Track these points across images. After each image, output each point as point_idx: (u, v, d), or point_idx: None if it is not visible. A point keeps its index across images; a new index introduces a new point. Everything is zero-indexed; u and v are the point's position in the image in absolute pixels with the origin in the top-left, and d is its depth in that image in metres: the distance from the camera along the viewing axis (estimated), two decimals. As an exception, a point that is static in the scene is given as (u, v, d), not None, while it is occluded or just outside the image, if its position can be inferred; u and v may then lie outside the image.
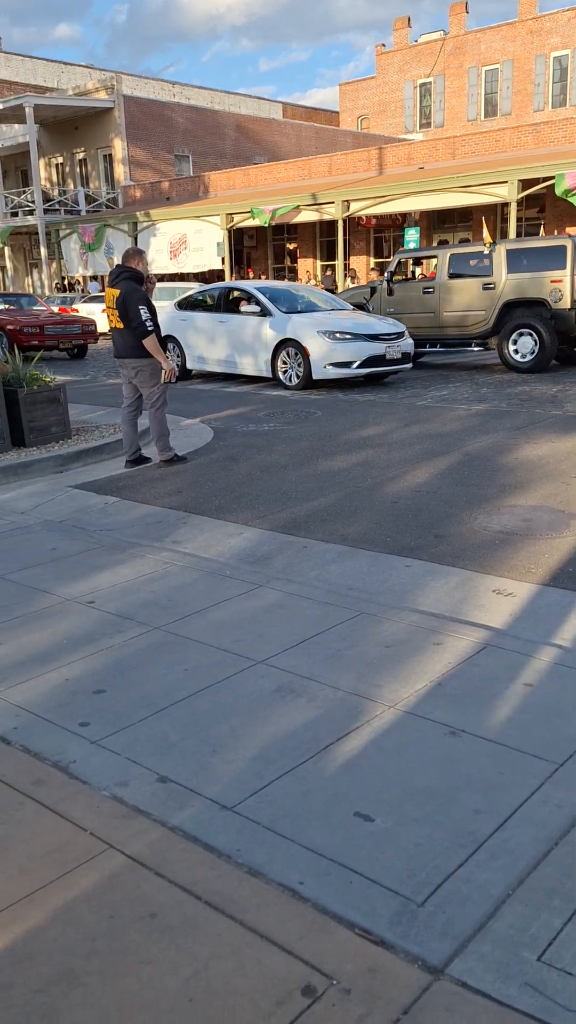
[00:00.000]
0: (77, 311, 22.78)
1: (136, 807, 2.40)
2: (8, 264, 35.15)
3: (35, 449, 7.67)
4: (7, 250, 34.08)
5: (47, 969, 1.82)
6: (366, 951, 1.83)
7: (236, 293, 13.00)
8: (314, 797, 2.41)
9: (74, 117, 34.27)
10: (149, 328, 6.77)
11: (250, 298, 12.49)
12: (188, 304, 13.71)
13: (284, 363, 11.98)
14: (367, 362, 11.59)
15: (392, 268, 14.52)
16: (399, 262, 14.56)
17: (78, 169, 35.93)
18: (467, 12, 40.34)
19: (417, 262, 15.88)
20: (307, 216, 24.62)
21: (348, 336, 11.52)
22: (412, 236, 22.87)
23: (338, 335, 11.51)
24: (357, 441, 8.04)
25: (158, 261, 28.12)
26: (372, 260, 27.78)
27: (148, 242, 28.54)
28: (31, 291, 33.45)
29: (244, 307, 12.45)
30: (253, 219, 24.83)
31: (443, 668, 3.16)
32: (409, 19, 42.70)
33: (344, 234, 23.98)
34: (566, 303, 12.11)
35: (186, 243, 27.51)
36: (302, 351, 11.63)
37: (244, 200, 26.04)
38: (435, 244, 25.58)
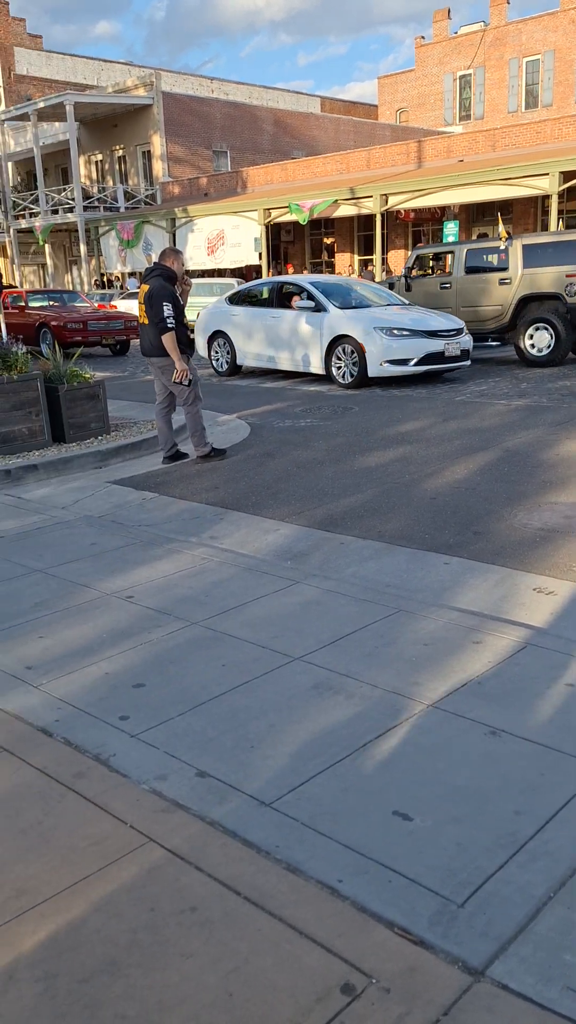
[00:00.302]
0: (116, 307, 22.97)
1: (175, 801, 2.42)
2: (48, 261, 35.55)
3: (75, 445, 7.76)
4: (47, 247, 34.45)
5: (90, 960, 1.84)
6: (405, 950, 1.83)
7: (289, 288, 12.65)
8: (352, 795, 2.41)
9: (113, 114, 34.53)
10: (169, 325, 6.74)
11: (303, 293, 12.17)
12: (239, 299, 13.37)
13: (338, 360, 11.63)
14: (425, 359, 11.20)
15: (410, 264, 14.80)
16: (417, 257, 14.89)
17: (117, 166, 36.21)
18: (508, 3, 39.81)
19: (439, 257, 15.72)
20: (345, 210, 24.52)
21: (406, 332, 11.12)
22: (451, 230, 22.66)
23: (395, 331, 11.10)
24: (394, 437, 8.00)
25: (196, 257, 28.23)
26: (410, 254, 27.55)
27: (186, 238, 28.68)
28: (71, 288, 33.82)
29: (297, 302, 12.09)
30: (291, 214, 24.79)
31: (483, 667, 3.14)
32: (449, 11, 42.25)
33: (382, 228, 23.84)
34: None
35: (223, 239, 27.58)
36: (357, 348, 11.25)
37: (281, 195, 26.02)
38: (475, 237, 25.31)
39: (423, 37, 43.26)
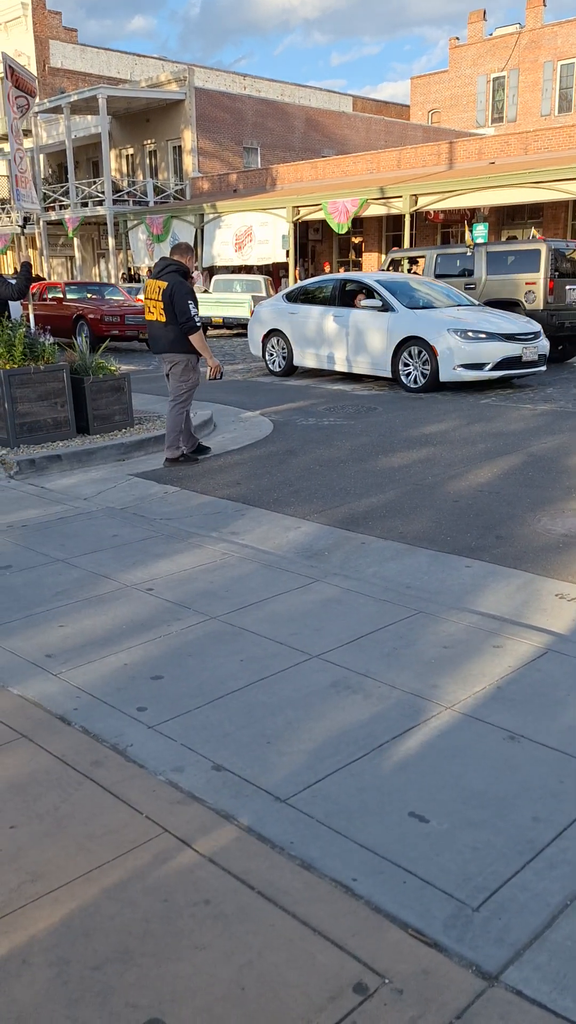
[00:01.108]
0: (140, 301, 23.01)
1: (191, 793, 2.42)
2: (76, 254, 35.73)
3: (99, 437, 7.79)
4: (75, 240, 34.63)
5: (103, 948, 1.84)
6: (419, 952, 1.81)
7: (352, 285, 12.12)
8: (369, 794, 2.39)
9: (146, 109, 34.63)
10: (197, 324, 6.71)
11: (369, 291, 11.66)
12: (297, 296, 12.79)
13: (407, 363, 11.02)
14: (502, 364, 10.64)
15: (385, 266, 15.62)
16: (392, 260, 15.64)
17: (148, 160, 36.31)
18: (544, 5, 39.49)
19: (414, 261, 16.08)
20: (374, 210, 24.43)
21: (482, 335, 10.55)
22: (480, 232, 22.51)
23: (470, 334, 10.51)
24: (418, 438, 7.96)
25: (223, 253, 28.26)
26: None
27: (214, 234, 28.70)
28: (98, 280, 33.97)
29: (362, 301, 11.62)
30: (324, 217, 24.73)
31: (503, 671, 3.12)
32: (484, 12, 42.01)
33: (411, 229, 23.74)
34: (539, 304, 12.98)
35: (251, 235, 27.57)
36: (429, 350, 10.66)
37: (311, 193, 25.98)
38: (504, 239, 25.17)
39: (457, 38, 43.03)
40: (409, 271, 15.96)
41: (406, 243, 23.81)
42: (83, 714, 2.88)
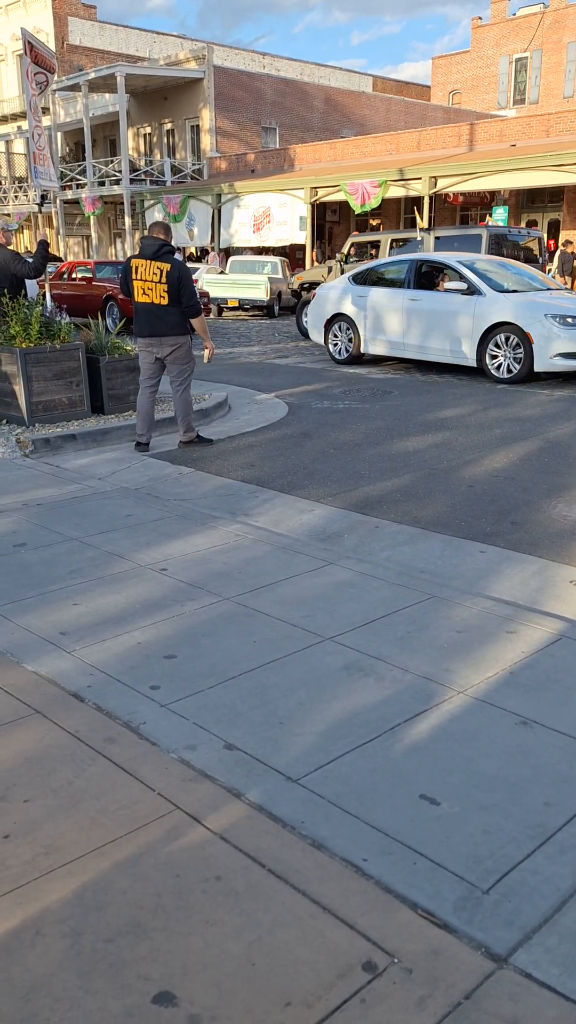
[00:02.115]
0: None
1: (203, 771, 2.43)
2: (93, 233, 35.61)
3: (113, 417, 7.80)
4: (91, 219, 34.52)
5: (116, 920, 1.87)
6: (429, 933, 1.82)
7: (431, 266, 11.35)
8: (380, 776, 2.40)
9: (164, 87, 34.37)
10: (201, 307, 6.65)
11: (451, 273, 10.89)
12: (366, 278, 11.88)
13: (495, 351, 10.24)
14: None
15: (346, 250, 15.96)
16: (353, 243, 16.03)
17: (165, 139, 36.08)
18: (570, -17, 38.82)
19: (375, 245, 16.52)
20: (393, 192, 24.20)
21: None
22: (500, 215, 22.30)
23: (570, 320, 9.64)
24: (434, 422, 7.93)
25: (241, 233, 28.10)
26: (544, 236, 27.14)
27: (232, 214, 28.53)
28: (115, 260, 33.85)
29: (445, 283, 10.87)
30: (344, 197, 24.54)
31: (516, 657, 3.11)
32: (509, -10, 41.33)
33: (430, 211, 23.52)
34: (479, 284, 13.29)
35: (270, 216, 27.38)
36: (523, 338, 9.88)
37: (329, 174, 25.77)
38: (523, 224, 24.90)
39: (480, 18, 42.41)
40: (367, 255, 16.46)
41: (424, 224, 23.60)
42: (97, 691, 2.90)
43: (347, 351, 12.11)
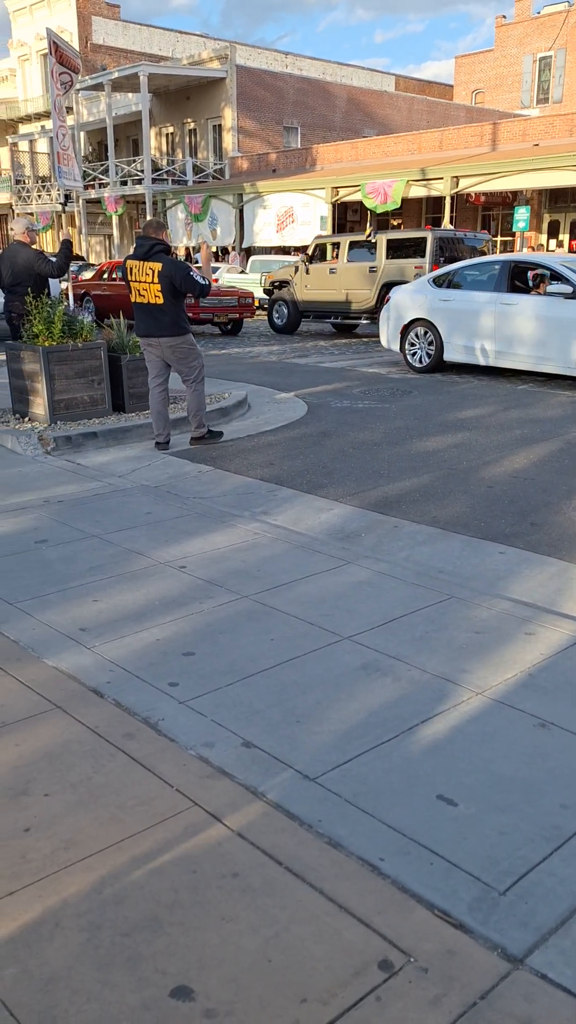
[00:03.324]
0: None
1: (221, 768, 2.45)
2: (115, 232, 35.78)
3: (133, 415, 7.84)
4: (114, 218, 34.68)
5: (133, 915, 1.88)
6: (445, 933, 1.83)
7: (522, 267, 10.81)
8: (397, 776, 2.41)
9: (186, 87, 34.48)
10: (206, 284, 6.60)
11: (550, 274, 10.38)
12: (449, 281, 11.19)
13: None
14: None
15: (311, 251, 16.74)
16: (316, 245, 16.82)
17: (187, 139, 36.19)
18: (596, -19, 38.52)
19: (336, 245, 17.11)
20: (414, 192, 24.14)
21: None
22: (522, 215, 22.18)
23: None
24: (453, 423, 7.90)
25: (264, 233, 28.12)
26: (494, 239, 27.05)
27: (254, 213, 28.56)
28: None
29: (547, 287, 10.41)
30: (362, 198, 24.50)
31: (535, 659, 3.10)
32: (533, -11, 41.07)
33: (451, 211, 23.43)
34: None
35: (293, 216, 27.38)
36: None
37: (351, 173, 25.73)
38: (547, 224, 24.75)
39: (504, 16, 42.18)
40: (327, 255, 16.94)
41: (445, 226, 23.53)
42: (116, 687, 2.92)
43: (427, 358, 11.31)
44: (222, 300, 16.69)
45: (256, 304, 21.71)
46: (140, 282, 6.62)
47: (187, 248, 32.64)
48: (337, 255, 16.34)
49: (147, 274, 6.55)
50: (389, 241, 15.35)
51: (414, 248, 14.92)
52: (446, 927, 1.84)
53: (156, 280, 6.53)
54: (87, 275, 22.52)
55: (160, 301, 6.57)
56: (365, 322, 16.05)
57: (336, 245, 16.60)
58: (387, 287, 14.73)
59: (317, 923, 1.85)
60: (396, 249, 15.23)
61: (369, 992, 1.67)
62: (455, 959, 1.75)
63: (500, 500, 5.36)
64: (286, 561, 4.18)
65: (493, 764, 2.46)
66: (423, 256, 14.55)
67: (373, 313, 15.36)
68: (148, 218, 6.95)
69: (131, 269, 6.66)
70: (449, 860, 2.06)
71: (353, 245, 15.96)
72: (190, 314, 16.28)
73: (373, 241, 15.38)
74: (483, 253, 15.46)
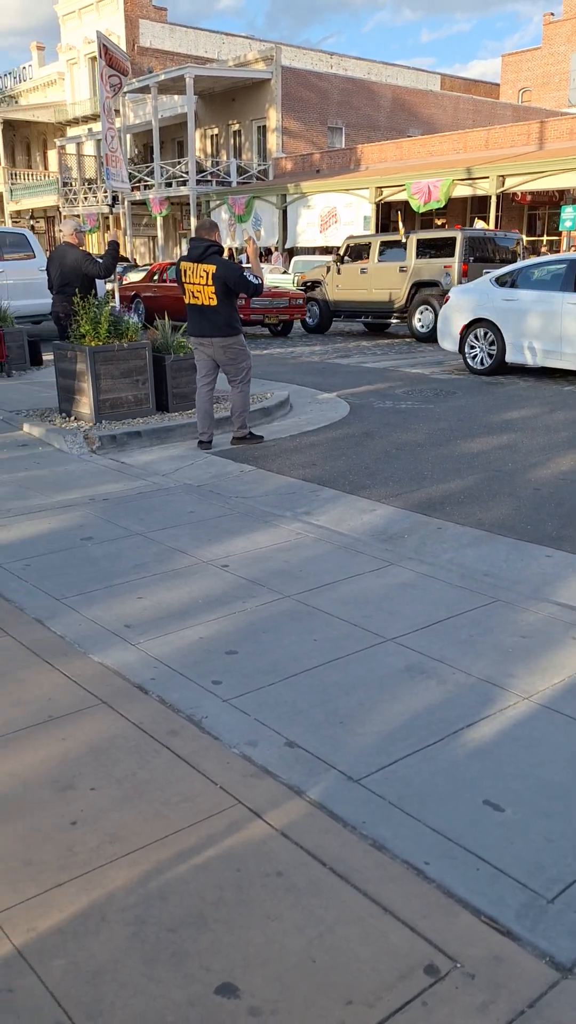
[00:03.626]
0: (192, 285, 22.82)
1: (264, 767, 2.45)
2: (159, 234, 36.11)
3: (177, 414, 7.89)
4: (158, 219, 34.99)
5: (178, 911, 1.89)
6: (491, 939, 1.80)
7: None
8: (442, 779, 2.38)
9: (231, 88, 34.65)
10: (260, 283, 6.67)
11: None
12: (514, 281, 10.81)
13: None
14: None
15: (342, 251, 16.94)
16: (348, 246, 17.00)
17: (232, 140, 36.35)
18: None
19: (368, 246, 17.22)
20: (460, 191, 23.97)
21: None
22: (569, 214, 21.85)
23: None
24: (498, 424, 7.82)
25: (307, 233, 28.15)
26: (524, 238, 26.78)
27: (298, 213, 28.61)
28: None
29: None
30: (407, 198, 24.38)
31: (582, 664, 3.05)
32: (583, -16, 40.47)
33: (496, 210, 23.20)
34: (453, 283, 14.14)
35: (336, 216, 27.37)
36: None
37: (395, 173, 25.62)
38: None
39: (552, 14, 41.67)
40: (360, 255, 17.00)
41: (491, 225, 23.31)
42: (160, 684, 2.94)
43: (488, 360, 10.95)
44: (273, 301, 16.30)
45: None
46: (194, 284, 6.67)
47: (230, 249, 32.76)
48: (367, 256, 16.51)
49: (201, 276, 6.61)
50: (419, 241, 15.50)
51: (444, 248, 15.04)
52: (493, 933, 1.82)
53: (210, 282, 6.58)
54: (136, 277, 22.63)
55: (214, 303, 6.63)
56: (395, 321, 16.35)
57: (367, 245, 16.74)
58: (417, 286, 15.29)
59: (362, 925, 1.84)
60: (426, 249, 15.41)
61: (415, 996, 1.66)
62: (502, 966, 1.73)
63: (547, 503, 5.29)
64: (329, 562, 4.17)
65: (540, 769, 2.42)
66: (452, 256, 14.71)
67: (403, 312, 15.76)
68: (200, 219, 6.99)
69: (185, 271, 6.72)
70: (495, 866, 2.03)
71: (384, 245, 16.15)
72: (240, 315, 16.29)
73: (404, 241, 15.60)
74: (514, 253, 15.60)
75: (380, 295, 15.94)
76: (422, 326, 15.47)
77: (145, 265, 29.67)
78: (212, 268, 6.55)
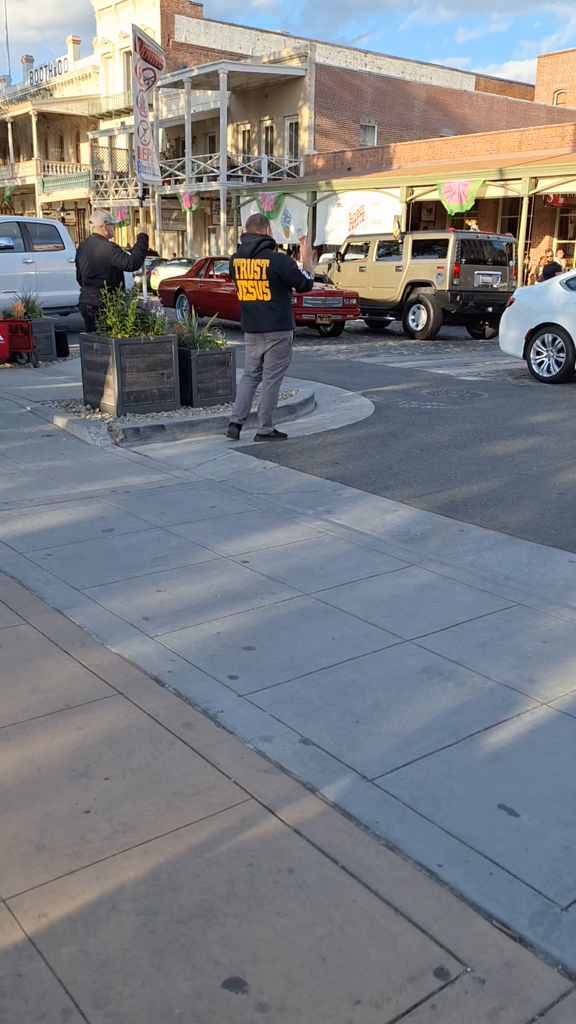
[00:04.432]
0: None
1: (278, 763, 2.44)
2: (188, 228, 36.17)
3: (201, 409, 7.90)
4: (187, 214, 35.05)
5: (189, 903, 1.89)
6: (503, 945, 1.78)
7: None
8: (457, 783, 2.36)
9: (265, 85, 34.62)
10: (311, 278, 6.75)
11: None
12: None
13: None
14: None
15: (342, 249, 17.58)
16: (348, 244, 17.67)
17: (264, 136, 36.34)
18: None
19: (368, 244, 17.58)
20: (491, 192, 23.78)
21: None
22: (601, 218, 21.62)
23: None
24: (524, 427, 7.75)
25: (337, 231, 28.05)
26: (555, 241, 26.55)
27: (328, 211, 28.53)
28: (207, 255, 34.32)
29: None
30: (440, 199, 24.25)
31: (603, 671, 3.01)
32: (623, -15, 40.02)
33: (528, 212, 23.00)
34: (445, 284, 15.11)
35: (363, 215, 27.27)
36: None
37: (427, 172, 25.49)
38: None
39: (592, 14, 41.18)
40: (361, 253, 17.53)
41: (522, 227, 23.14)
42: (177, 677, 2.95)
43: (557, 366, 10.37)
44: (327, 301, 15.50)
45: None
46: (248, 280, 6.70)
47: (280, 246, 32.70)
48: (366, 254, 17.03)
49: (255, 272, 6.63)
50: (415, 242, 16.04)
51: (439, 249, 15.51)
52: (505, 939, 1.80)
53: (264, 276, 6.62)
54: (180, 271, 22.58)
55: (268, 298, 6.68)
56: (392, 319, 17.03)
57: (366, 244, 17.26)
58: (411, 285, 15.95)
59: (373, 925, 1.83)
60: (421, 249, 15.93)
61: (424, 999, 1.64)
62: (514, 972, 1.71)
63: (572, 507, 5.24)
64: (349, 561, 4.16)
65: (558, 776, 2.39)
66: (442, 256, 15.26)
67: (398, 310, 16.40)
68: (252, 214, 6.99)
69: (238, 267, 6.75)
70: (509, 871, 2.01)
71: (382, 244, 16.72)
72: None
73: (400, 242, 16.20)
74: (508, 255, 16.02)
75: (377, 293, 16.51)
76: (415, 324, 16.15)
77: (177, 259, 29.73)
78: (265, 262, 6.59)
